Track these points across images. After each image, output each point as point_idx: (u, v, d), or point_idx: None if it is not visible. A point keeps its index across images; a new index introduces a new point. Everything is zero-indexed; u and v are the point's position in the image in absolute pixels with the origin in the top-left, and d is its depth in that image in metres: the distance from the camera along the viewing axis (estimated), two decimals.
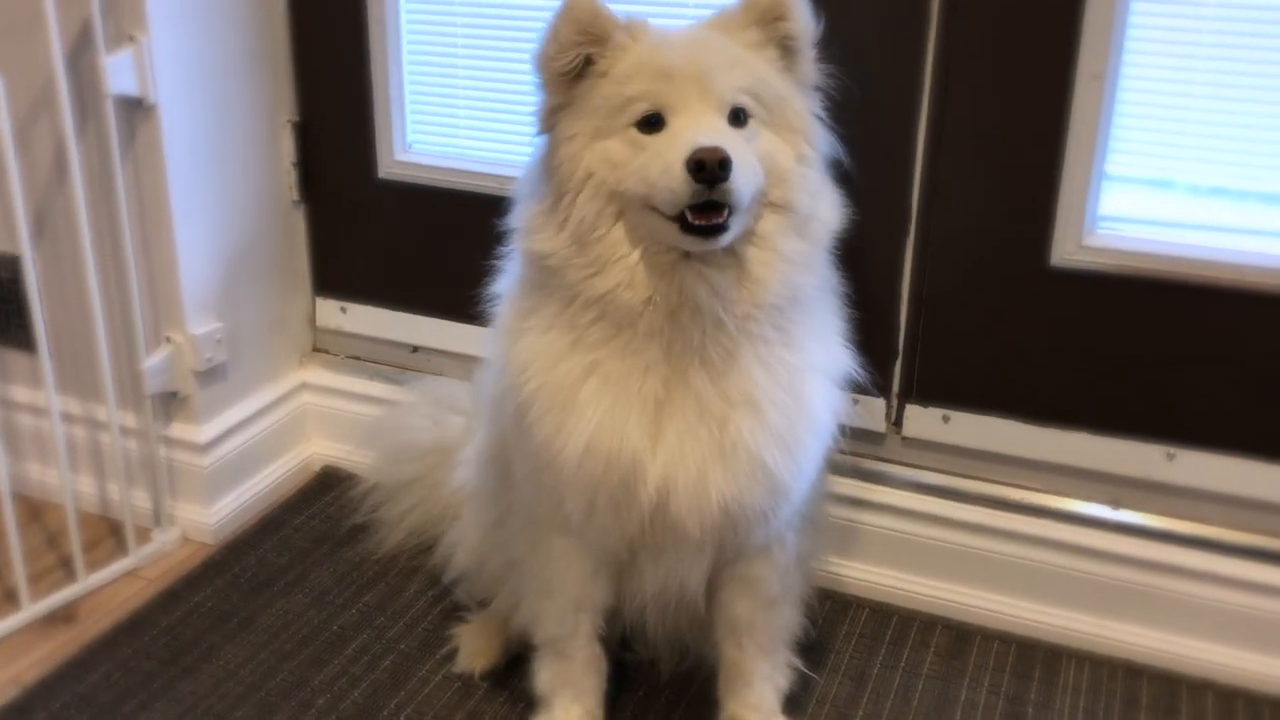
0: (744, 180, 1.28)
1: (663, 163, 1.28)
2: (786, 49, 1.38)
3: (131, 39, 1.88)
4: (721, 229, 1.29)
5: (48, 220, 2.05)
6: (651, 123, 1.32)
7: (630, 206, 1.33)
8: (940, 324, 1.86)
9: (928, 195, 1.80)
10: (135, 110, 1.93)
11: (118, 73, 1.87)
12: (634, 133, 1.33)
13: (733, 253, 1.35)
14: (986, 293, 1.81)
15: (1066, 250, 1.73)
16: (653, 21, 1.38)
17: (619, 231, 1.35)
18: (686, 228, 1.29)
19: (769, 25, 1.36)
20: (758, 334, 1.38)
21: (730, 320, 1.35)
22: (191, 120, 1.99)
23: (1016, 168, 1.74)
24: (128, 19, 1.88)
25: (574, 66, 1.35)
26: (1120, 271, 1.72)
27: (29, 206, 1.85)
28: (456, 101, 2.11)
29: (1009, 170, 1.74)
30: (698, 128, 1.29)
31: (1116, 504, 1.84)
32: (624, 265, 1.35)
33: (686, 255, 1.34)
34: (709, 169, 1.25)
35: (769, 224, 1.36)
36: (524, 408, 1.44)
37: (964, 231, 1.80)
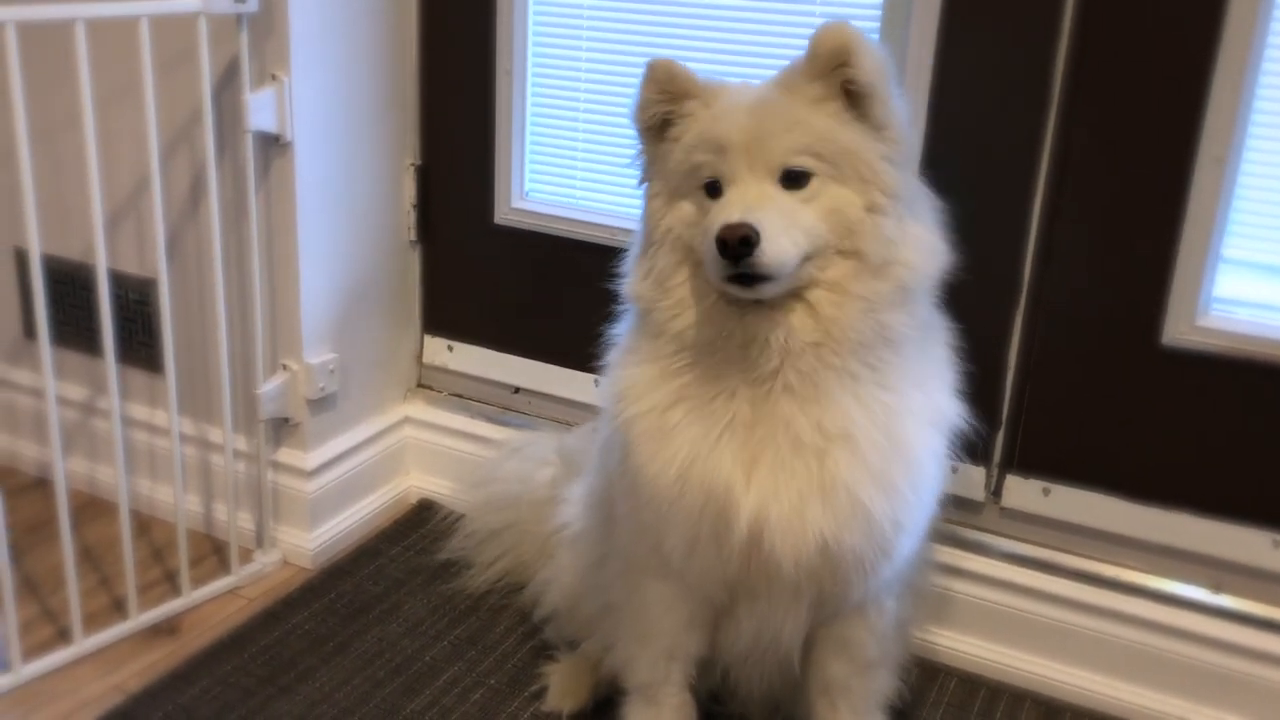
0: (778, 249, 1.31)
1: (706, 235, 1.35)
2: (853, 95, 1.36)
3: (274, 78, 1.97)
4: (760, 279, 1.33)
5: (178, 247, 2.15)
6: (714, 189, 1.39)
7: (699, 262, 1.40)
8: (1046, 395, 1.86)
9: (1040, 266, 1.81)
10: (272, 146, 2.01)
11: (259, 110, 1.96)
12: (702, 196, 1.40)
13: (799, 297, 1.38)
14: (1095, 367, 1.82)
15: (1179, 330, 1.73)
16: (734, 77, 1.43)
17: (694, 280, 1.42)
18: (729, 279, 1.34)
19: (832, 74, 1.35)
20: (844, 368, 1.39)
21: (803, 349, 1.38)
22: (323, 158, 2.08)
23: (1132, 245, 1.75)
24: (272, 59, 1.97)
25: (655, 124, 1.44)
26: (1232, 354, 1.72)
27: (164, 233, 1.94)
28: (575, 153, 2.18)
29: (1124, 247, 1.75)
30: (743, 199, 1.34)
31: (1218, 588, 1.82)
32: (698, 308, 1.42)
33: (756, 300, 1.38)
34: (731, 247, 1.30)
35: (840, 270, 1.37)
36: (623, 437, 1.49)
37: (1075, 304, 1.81)
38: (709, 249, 1.33)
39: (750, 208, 1.32)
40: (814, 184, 1.36)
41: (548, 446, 2.14)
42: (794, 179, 1.35)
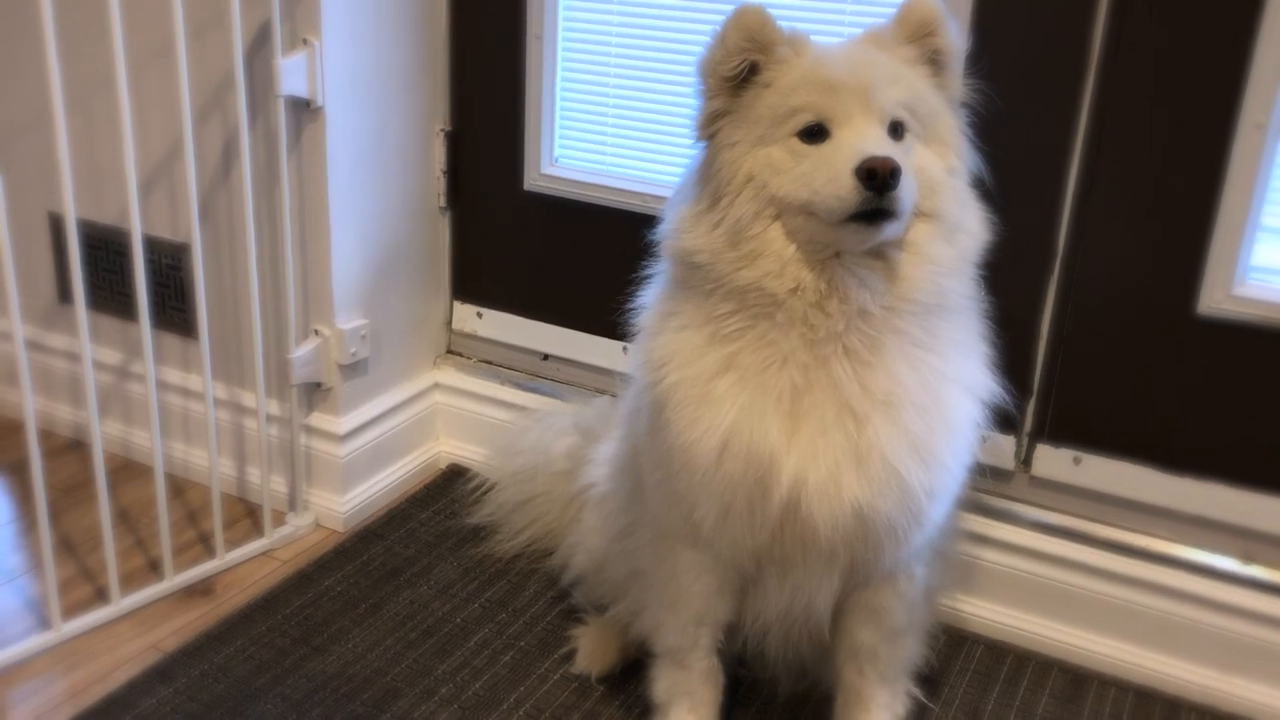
0: (909, 190, 1.33)
1: (830, 171, 1.32)
2: (937, 64, 1.42)
3: (305, 42, 1.97)
4: (890, 217, 1.33)
5: (211, 212, 2.16)
6: (814, 133, 1.36)
7: (788, 210, 1.36)
8: (1078, 364, 1.86)
9: (1075, 233, 1.80)
10: (303, 111, 2.02)
11: (291, 74, 1.96)
12: (796, 142, 1.37)
13: (881, 255, 1.38)
14: (1128, 336, 1.81)
15: (1215, 299, 1.72)
16: (813, 37, 1.42)
17: (775, 230, 1.38)
18: (852, 218, 1.32)
19: (921, 41, 1.41)
20: (904, 330, 1.40)
21: (877, 310, 1.38)
22: (353, 124, 2.08)
23: (1169, 213, 1.73)
24: (303, 24, 1.97)
25: (739, 72, 1.40)
26: (1269, 323, 1.70)
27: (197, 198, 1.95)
28: (605, 119, 2.17)
29: (1161, 215, 1.74)
30: (864, 138, 1.33)
31: (1248, 558, 1.82)
32: (776, 258, 1.38)
33: (838, 254, 1.37)
34: (880, 177, 1.29)
35: (919, 232, 1.39)
36: (660, 404, 1.46)
37: (1109, 272, 1.79)
38: (841, 184, 1.30)
39: (881, 144, 1.33)
40: (909, 139, 1.39)
41: (565, 419, 2.15)
42: (895, 130, 1.37)
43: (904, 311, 1.39)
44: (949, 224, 1.40)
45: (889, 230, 1.34)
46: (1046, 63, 1.75)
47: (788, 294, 1.38)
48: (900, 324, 1.40)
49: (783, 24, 1.40)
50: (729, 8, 1.38)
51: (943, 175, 1.40)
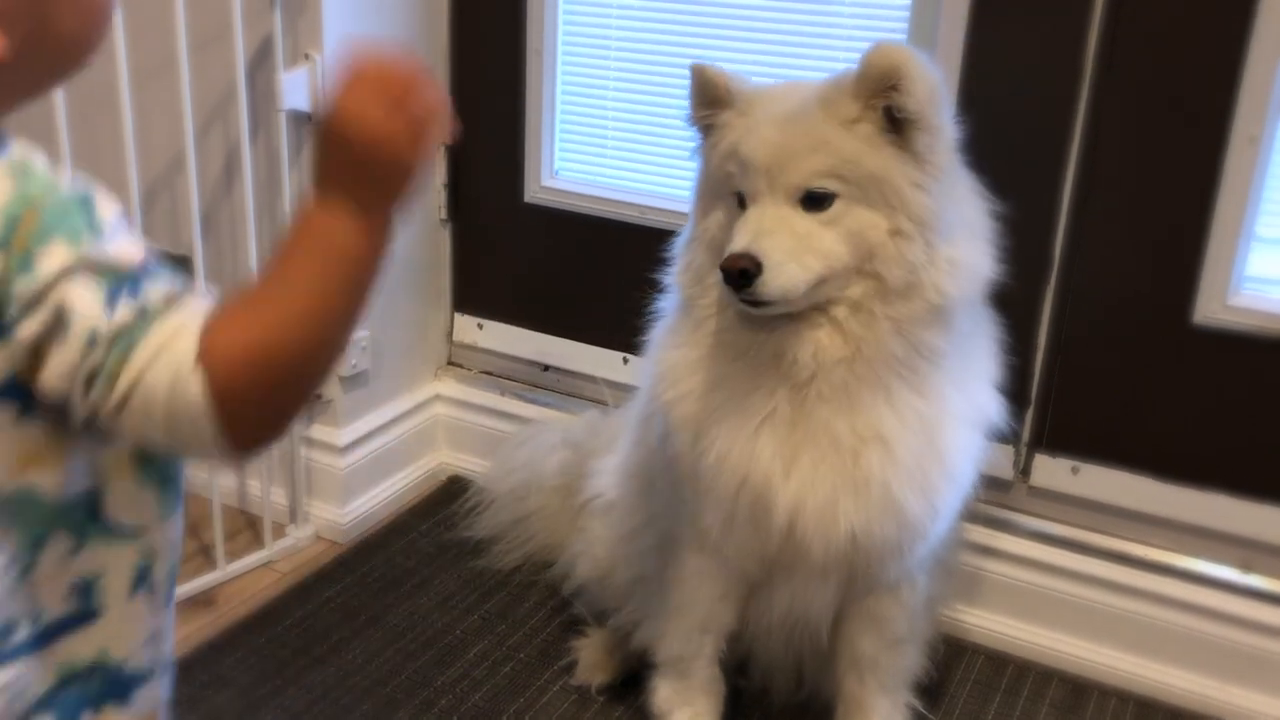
0: (785, 277, 1.31)
1: (721, 255, 1.35)
2: (898, 121, 1.31)
3: (307, 57, 1.99)
4: (765, 303, 1.33)
5: (212, 225, 2.17)
6: (742, 200, 1.38)
7: None
8: (1075, 374, 1.86)
9: (1071, 244, 1.81)
10: (305, 125, 2.03)
11: (292, 89, 1.97)
12: (733, 203, 1.40)
13: (825, 313, 1.37)
14: (1125, 346, 1.81)
15: (1210, 309, 1.73)
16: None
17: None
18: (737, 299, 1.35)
19: (879, 95, 1.30)
20: (877, 381, 1.39)
21: (833, 365, 1.38)
22: None
23: (1164, 223, 1.74)
24: (305, 38, 1.99)
25: (701, 127, 1.45)
26: (1264, 333, 1.71)
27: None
28: (605, 132, 2.19)
29: (1156, 225, 1.75)
30: (757, 223, 1.33)
31: (1247, 568, 1.82)
32: (729, 314, 1.44)
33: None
34: (731, 276, 1.31)
35: (858, 290, 1.36)
36: (662, 418, 1.52)
37: (1106, 283, 1.80)
38: (717, 269, 1.34)
39: (760, 233, 1.32)
40: (838, 205, 1.33)
41: (555, 434, 2.16)
42: (816, 201, 1.33)
43: (870, 365, 1.38)
44: (892, 285, 1.34)
45: (774, 309, 1.34)
46: (1042, 71, 1.76)
47: (748, 346, 1.42)
48: (870, 375, 1.38)
49: (738, 78, 1.41)
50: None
51: (883, 238, 1.33)
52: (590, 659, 1.86)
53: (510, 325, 2.36)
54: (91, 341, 0.75)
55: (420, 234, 2.32)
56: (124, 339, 0.76)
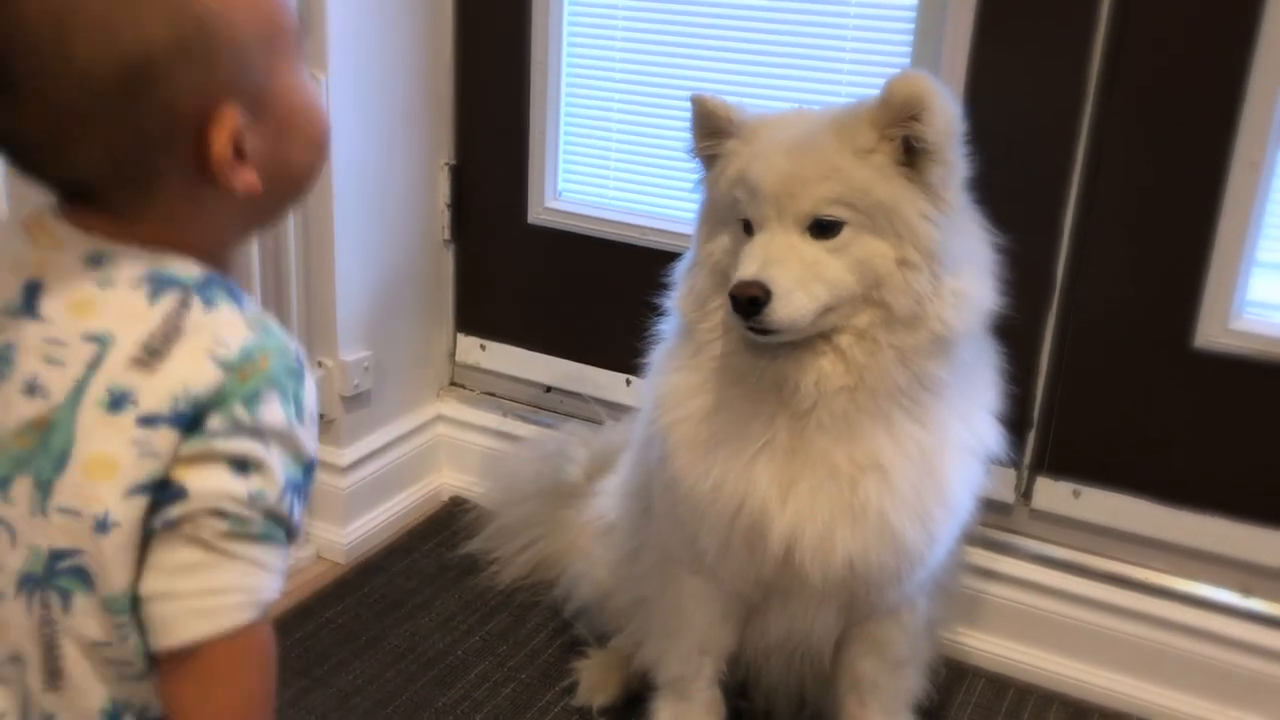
0: (793, 306, 1.30)
1: (729, 282, 1.35)
2: (914, 150, 1.32)
3: (313, 77, 1.99)
4: (772, 331, 1.33)
5: None
6: (749, 227, 1.38)
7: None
8: (1077, 398, 1.87)
9: (1073, 268, 1.82)
10: None
11: None
12: (740, 229, 1.40)
13: (829, 340, 1.37)
14: (1126, 370, 1.82)
15: (1211, 333, 1.74)
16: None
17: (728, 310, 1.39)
18: (744, 326, 1.35)
19: (898, 125, 1.30)
20: (878, 410, 1.39)
21: (835, 393, 1.38)
22: (359, 157, 2.10)
23: (1165, 248, 1.75)
24: (310, 59, 2.00)
25: (703, 156, 1.46)
26: (1265, 357, 1.72)
27: None
28: (608, 153, 2.20)
29: (1157, 249, 1.76)
30: (765, 250, 1.33)
31: (1247, 592, 1.82)
32: (731, 339, 1.44)
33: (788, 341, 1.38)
34: (740, 304, 1.31)
35: (865, 319, 1.36)
36: (661, 441, 1.51)
37: (1108, 306, 1.81)
38: (725, 297, 1.34)
39: (769, 261, 1.31)
40: (846, 233, 1.33)
41: (557, 453, 2.15)
42: (824, 228, 1.33)
43: (872, 395, 1.38)
44: (898, 314, 1.34)
45: (781, 337, 1.34)
46: (1044, 95, 1.77)
47: (749, 372, 1.42)
48: (871, 405, 1.38)
49: (739, 108, 1.42)
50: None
51: (890, 267, 1.33)
52: (592, 680, 1.86)
53: (513, 346, 2.37)
54: (236, 504, 0.80)
55: (423, 254, 2.32)
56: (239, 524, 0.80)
